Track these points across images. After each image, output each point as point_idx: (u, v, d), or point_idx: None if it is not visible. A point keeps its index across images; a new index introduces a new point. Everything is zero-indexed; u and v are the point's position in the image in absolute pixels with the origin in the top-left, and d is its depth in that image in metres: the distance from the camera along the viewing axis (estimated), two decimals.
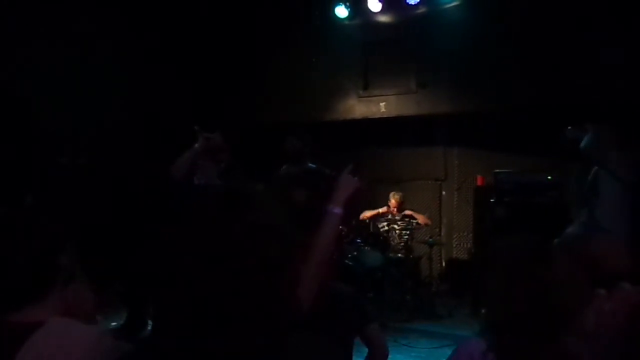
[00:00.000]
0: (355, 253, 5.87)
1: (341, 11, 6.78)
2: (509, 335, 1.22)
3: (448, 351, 1.41)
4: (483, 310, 1.36)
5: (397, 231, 6.25)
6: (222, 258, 0.79)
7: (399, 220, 6.26)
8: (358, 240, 6.05)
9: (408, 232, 6.26)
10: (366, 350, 2.12)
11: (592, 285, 1.52)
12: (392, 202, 6.33)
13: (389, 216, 6.32)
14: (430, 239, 6.39)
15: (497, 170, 5.83)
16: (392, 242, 6.26)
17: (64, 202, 4.88)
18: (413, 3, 6.51)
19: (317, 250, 1.60)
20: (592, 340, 1.26)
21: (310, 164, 4.17)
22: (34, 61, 5.15)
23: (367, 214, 6.45)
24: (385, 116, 6.99)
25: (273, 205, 0.91)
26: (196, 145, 3.42)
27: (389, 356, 2.15)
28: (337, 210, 1.75)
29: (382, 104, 7.01)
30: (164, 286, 0.82)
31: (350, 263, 5.70)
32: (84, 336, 1.16)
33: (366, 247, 5.99)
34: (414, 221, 6.27)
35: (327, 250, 1.66)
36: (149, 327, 4.21)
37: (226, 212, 0.85)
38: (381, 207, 6.48)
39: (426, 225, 6.41)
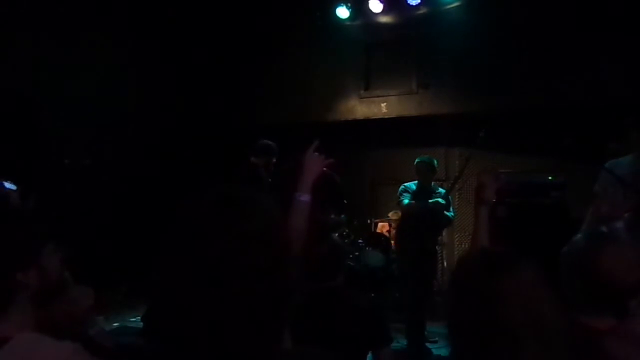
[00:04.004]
0: (357, 253, 5.88)
1: (342, 12, 6.80)
2: (456, 346, 1.17)
3: None
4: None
5: None
6: (209, 267, 0.76)
7: None
8: (360, 241, 6.06)
9: None
10: None
11: (604, 300, 1.43)
12: None
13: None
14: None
15: (499, 171, 5.82)
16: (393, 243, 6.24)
17: (67, 203, 4.89)
18: (414, 4, 6.51)
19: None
20: None
21: None
22: (35, 62, 5.16)
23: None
24: (386, 117, 7.00)
25: (269, 211, 0.86)
26: None
27: None
28: (305, 197, 1.67)
29: (383, 105, 7.01)
30: (153, 290, 0.81)
31: (352, 264, 5.69)
32: (52, 353, 1.10)
33: (368, 248, 5.99)
34: None
35: (298, 238, 1.58)
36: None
37: (217, 220, 0.82)
38: (383, 208, 6.48)
39: None
